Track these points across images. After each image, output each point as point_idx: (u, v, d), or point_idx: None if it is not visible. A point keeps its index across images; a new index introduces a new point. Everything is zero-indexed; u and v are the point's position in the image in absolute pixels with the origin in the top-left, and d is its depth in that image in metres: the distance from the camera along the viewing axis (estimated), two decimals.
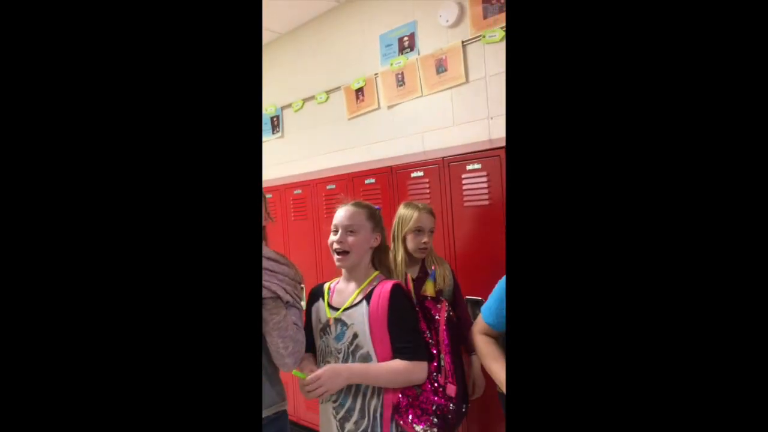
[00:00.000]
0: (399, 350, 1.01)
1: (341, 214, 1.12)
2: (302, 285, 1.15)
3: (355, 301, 1.08)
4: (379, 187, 1.87)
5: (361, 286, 1.10)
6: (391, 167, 1.84)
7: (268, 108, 2.78)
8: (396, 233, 1.42)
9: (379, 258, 1.15)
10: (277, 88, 2.71)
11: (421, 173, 1.73)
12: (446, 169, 1.65)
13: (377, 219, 1.14)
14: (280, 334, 1.03)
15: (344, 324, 1.07)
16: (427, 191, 1.70)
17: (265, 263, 1.04)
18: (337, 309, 1.10)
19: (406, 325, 1.03)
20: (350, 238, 1.09)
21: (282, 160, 2.71)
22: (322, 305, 1.14)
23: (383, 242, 1.15)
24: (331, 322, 1.10)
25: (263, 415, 1.07)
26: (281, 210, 2.28)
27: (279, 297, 1.04)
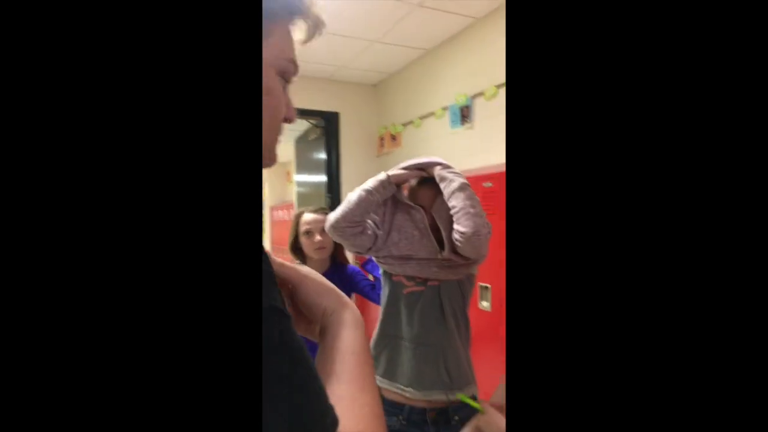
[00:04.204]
0: None
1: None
2: None
3: None
4: None
5: None
6: None
7: (458, 98, 2.67)
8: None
9: None
10: (469, 77, 2.58)
11: None
12: None
13: None
14: None
15: None
16: None
17: None
18: None
19: None
20: None
21: (472, 152, 2.56)
22: None
23: None
24: None
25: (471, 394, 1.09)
26: None
27: None
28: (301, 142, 4.06)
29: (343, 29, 2.55)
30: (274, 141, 0.46)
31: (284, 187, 6.24)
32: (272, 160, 0.46)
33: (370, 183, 1.15)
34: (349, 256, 1.83)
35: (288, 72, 0.45)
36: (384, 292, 1.23)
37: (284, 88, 0.46)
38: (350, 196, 1.16)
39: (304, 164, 4.09)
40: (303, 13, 0.46)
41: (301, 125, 3.79)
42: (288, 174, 5.83)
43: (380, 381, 1.18)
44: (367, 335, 0.50)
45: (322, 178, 3.53)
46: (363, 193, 1.14)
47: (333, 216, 1.17)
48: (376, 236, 1.19)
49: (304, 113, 3.41)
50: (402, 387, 1.14)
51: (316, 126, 3.61)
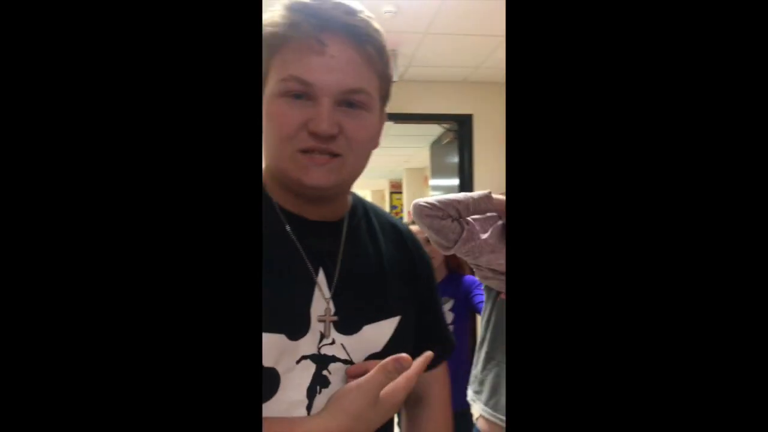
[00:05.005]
0: None
1: None
2: None
3: None
4: None
5: None
6: None
7: None
8: None
9: None
10: None
11: None
12: None
13: None
14: None
15: None
16: None
17: None
18: None
19: None
20: None
21: None
22: None
23: None
24: None
25: None
26: None
27: None
28: (436, 146, 4.06)
29: (474, 28, 2.47)
30: (285, 157, 0.47)
31: (422, 191, 6.34)
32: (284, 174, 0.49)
33: (474, 193, 1.08)
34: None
35: (293, 90, 0.44)
36: (487, 310, 1.13)
37: (297, 106, 0.44)
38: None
39: (439, 168, 4.09)
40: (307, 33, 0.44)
41: (436, 130, 3.79)
42: (425, 178, 5.90)
43: (483, 410, 1.09)
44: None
45: (457, 181, 3.48)
46: (459, 194, 1.07)
47: (419, 200, 1.10)
48: (462, 229, 1.06)
49: (437, 117, 3.40)
50: (505, 419, 1.03)
51: (449, 130, 3.57)
